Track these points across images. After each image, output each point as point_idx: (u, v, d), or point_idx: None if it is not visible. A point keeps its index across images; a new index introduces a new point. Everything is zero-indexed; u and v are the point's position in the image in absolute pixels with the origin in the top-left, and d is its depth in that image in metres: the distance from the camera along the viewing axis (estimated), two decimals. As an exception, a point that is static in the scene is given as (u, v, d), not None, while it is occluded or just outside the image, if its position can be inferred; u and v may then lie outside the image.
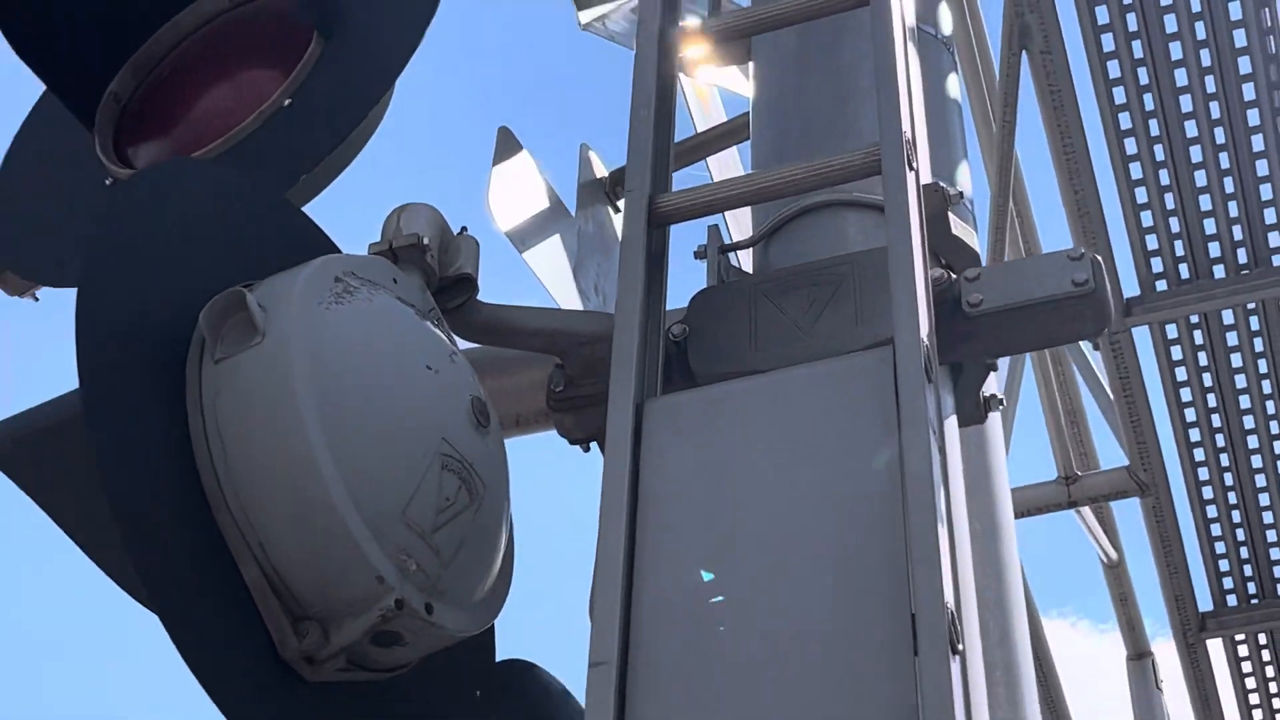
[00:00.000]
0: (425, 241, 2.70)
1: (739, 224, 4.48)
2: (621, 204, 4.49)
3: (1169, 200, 5.90)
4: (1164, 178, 5.86)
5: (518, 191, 4.15)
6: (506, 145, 4.16)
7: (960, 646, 2.17)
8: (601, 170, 4.49)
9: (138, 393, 2.31)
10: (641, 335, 2.64)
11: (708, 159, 4.65)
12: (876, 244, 3.05)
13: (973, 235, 3.11)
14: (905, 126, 2.76)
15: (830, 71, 3.45)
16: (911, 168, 2.70)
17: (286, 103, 2.98)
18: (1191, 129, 5.78)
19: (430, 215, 2.76)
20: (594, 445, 3.08)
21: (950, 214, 3.00)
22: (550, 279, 4.13)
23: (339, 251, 2.72)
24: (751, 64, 3.69)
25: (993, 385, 3.08)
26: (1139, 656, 7.65)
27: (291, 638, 2.33)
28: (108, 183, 3.08)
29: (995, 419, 3.35)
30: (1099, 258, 2.82)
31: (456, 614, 2.46)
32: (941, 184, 2.96)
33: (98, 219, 2.35)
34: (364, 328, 2.46)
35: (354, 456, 2.33)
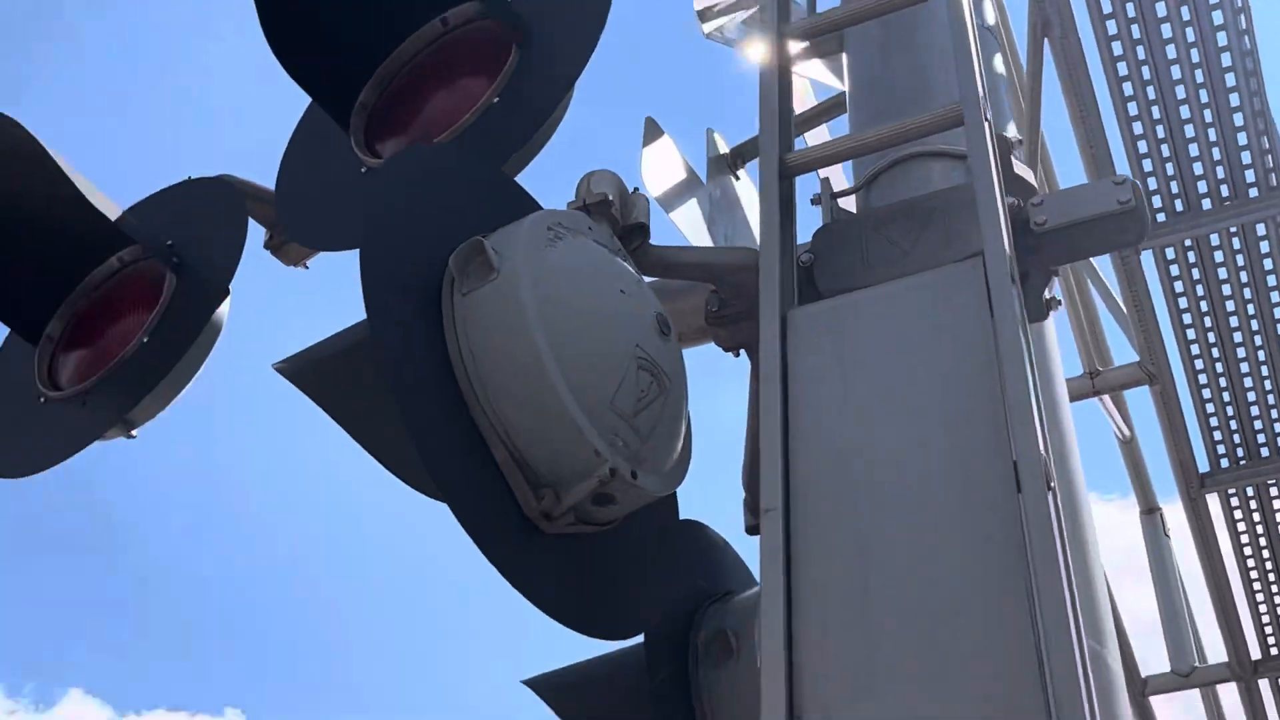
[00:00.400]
0: (610, 198, 2.69)
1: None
2: (741, 173, 4.48)
3: (1165, 149, 5.75)
4: (1160, 131, 5.71)
5: (663, 166, 4.14)
6: (653, 131, 4.15)
7: (1052, 484, 2.14)
8: (724, 148, 4.46)
9: (408, 321, 2.33)
10: (781, 261, 2.61)
11: (805, 134, 4.59)
12: (955, 184, 3.01)
13: (1029, 173, 3.04)
14: (980, 87, 2.71)
15: (909, 53, 3.39)
16: (986, 119, 2.65)
17: (495, 100, 2.97)
18: (1180, 92, 5.63)
19: (612, 178, 2.75)
20: (742, 352, 3.07)
21: (1012, 156, 2.95)
22: (690, 232, 4.11)
23: (542, 209, 2.72)
24: (845, 54, 3.64)
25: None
26: (1150, 511, 7.54)
27: (533, 500, 2.35)
28: (363, 170, 3.10)
29: (1050, 320, 3.29)
30: (1137, 182, 2.75)
31: (654, 479, 2.46)
32: (1004, 134, 2.91)
33: (371, 191, 2.36)
34: (572, 263, 2.46)
35: (572, 361, 2.34)
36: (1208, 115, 5.72)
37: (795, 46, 4.76)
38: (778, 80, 2.94)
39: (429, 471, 2.21)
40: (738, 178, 4.44)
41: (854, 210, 3.20)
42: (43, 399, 3.40)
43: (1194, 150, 5.80)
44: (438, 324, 2.37)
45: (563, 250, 2.45)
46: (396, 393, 2.20)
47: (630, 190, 2.80)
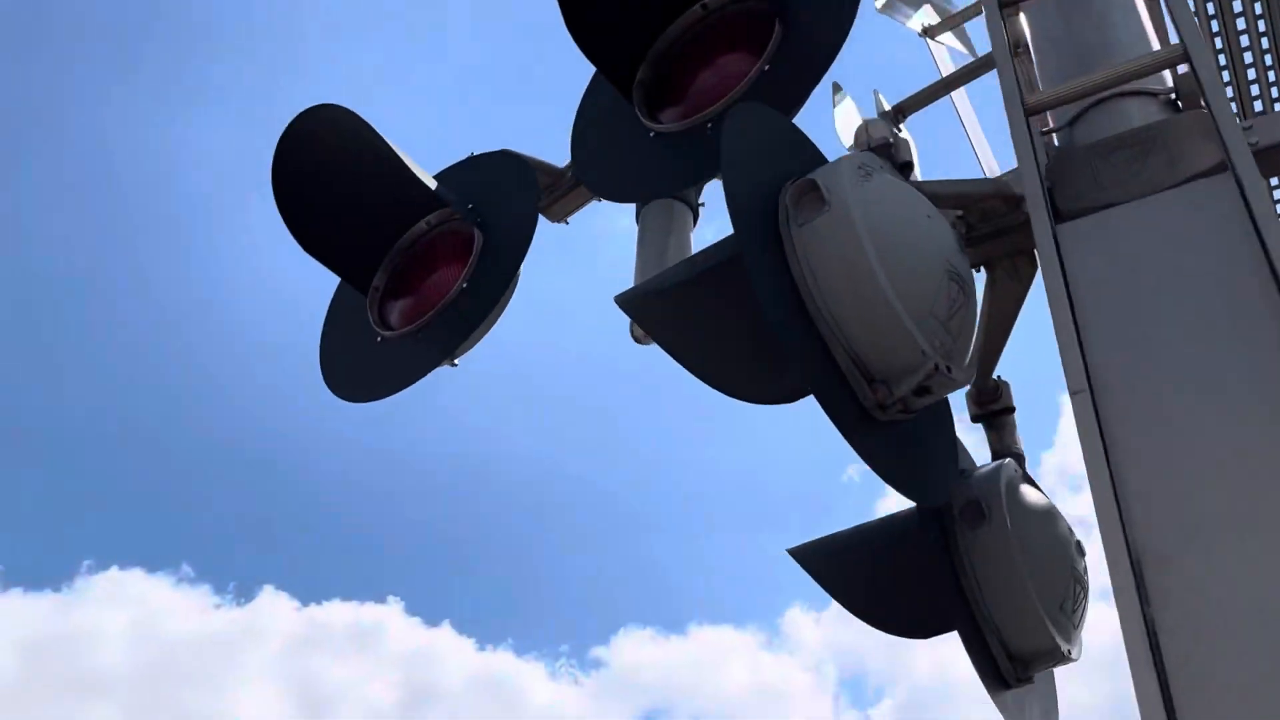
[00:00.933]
0: (890, 141, 2.65)
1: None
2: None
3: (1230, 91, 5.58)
4: (1225, 75, 5.53)
5: (848, 121, 4.08)
6: (839, 93, 4.09)
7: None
8: (887, 106, 4.38)
9: (764, 249, 2.31)
10: (1041, 186, 2.56)
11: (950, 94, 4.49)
12: (1153, 119, 2.93)
13: (1214, 104, 2.96)
14: (1197, 29, 2.64)
15: (1087, 10, 3.29)
16: (1212, 55, 2.57)
17: (765, 68, 2.92)
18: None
19: (885, 125, 2.73)
20: (982, 268, 3.03)
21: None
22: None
23: (848, 153, 2.67)
24: (1023, 15, 3.54)
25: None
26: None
27: (869, 393, 2.34)
28: (651, 135, 3.07)
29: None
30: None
31: (960, 373, 2.44)
32: (1196, 71, 2.82)
33: (724, 142, 2.32)
34: (887, 195, 2.43)
35: (899, 277, 2.32)
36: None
37: (926, 16, 4.62)
38: (1005, 39, 2.88)
39: (801, 374, 2.21)
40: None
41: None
42: (379, 338, 3.42)
43: (1251, 74, 5.61)
44: (780, 251, 2.35)
45: (876, 185, 2.42)
46: (769, 309, 2.20)
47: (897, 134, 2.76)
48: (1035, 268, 2.96)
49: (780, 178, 2.43)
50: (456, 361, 3.38)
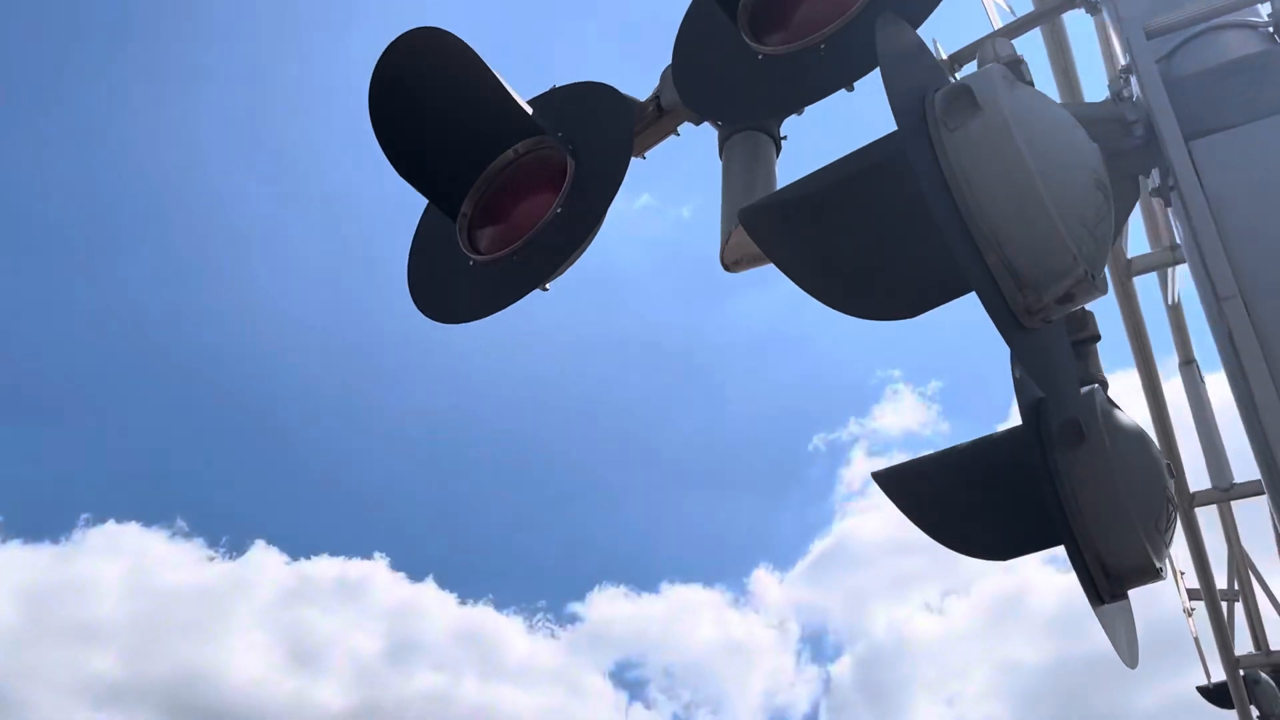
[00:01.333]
0: (1017, 57, 2.53)
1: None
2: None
3: None
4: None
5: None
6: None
7: None
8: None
9: (928, 152, 2.19)
10: (1170, 105, 2.46)
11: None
12: (1253, 50, 2.83)
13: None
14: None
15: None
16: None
17: None
18: None
19: (1009, 43, 2.59)
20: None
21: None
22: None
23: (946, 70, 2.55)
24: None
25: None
26: (1187, 363, 7.32)
27: (1019, 297, 2.23)
28: (759, 57, 2.93)
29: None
30: None
31: (1101, 281, 2.33)
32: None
33: (879, 47, 2.19)
34: (1036, 104, 2.32)
35: (1053, 182, 2.21)
36: None
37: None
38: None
39: (967, 275, 2.09)
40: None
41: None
42: (472, 262, 3.26)
43: None
44: (933, 153, 2.22)
45: (1021, 93, 2.31)
46: (937, 208, 2.07)
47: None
48: (1138, 192, 2.87)
49: (919, 88, 2.31)
50: (548, 286, 3.23)
